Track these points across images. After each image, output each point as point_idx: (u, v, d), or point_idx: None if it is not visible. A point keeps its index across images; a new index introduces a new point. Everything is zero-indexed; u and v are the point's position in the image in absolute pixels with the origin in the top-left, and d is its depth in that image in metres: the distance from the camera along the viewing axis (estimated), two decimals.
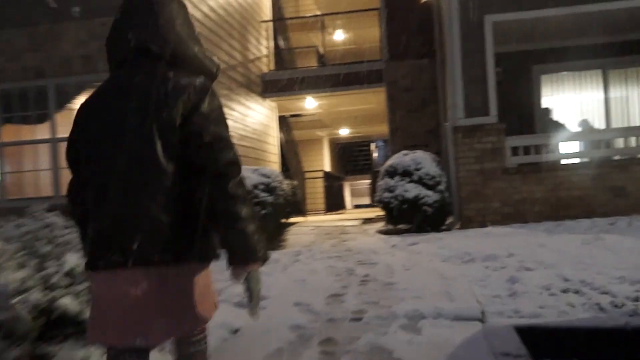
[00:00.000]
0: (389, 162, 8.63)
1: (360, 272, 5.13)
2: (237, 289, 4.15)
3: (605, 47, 9.20)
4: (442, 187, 8.11)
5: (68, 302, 2.10)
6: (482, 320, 3.23)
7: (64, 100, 8.36)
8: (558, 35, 9.08)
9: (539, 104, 9.78)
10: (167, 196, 1.57)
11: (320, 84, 12.96)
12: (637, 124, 9.55)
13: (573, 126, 9.34)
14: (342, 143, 24.21)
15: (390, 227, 8.62)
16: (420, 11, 11.77)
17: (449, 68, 8.35)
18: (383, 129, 14.85)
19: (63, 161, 7.30)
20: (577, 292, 3.67)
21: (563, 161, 8.20)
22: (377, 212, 10.08)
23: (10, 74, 8.33)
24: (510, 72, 9.36)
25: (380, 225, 9.52)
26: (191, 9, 8.79)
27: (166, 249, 1.57)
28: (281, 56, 14.84)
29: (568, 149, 8.42)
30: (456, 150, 8.11)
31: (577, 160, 8.31)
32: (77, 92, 8.09)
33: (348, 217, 13.50)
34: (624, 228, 6.28)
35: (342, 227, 10.34)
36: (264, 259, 1.65)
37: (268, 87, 13.14)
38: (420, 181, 8.08)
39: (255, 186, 7.45)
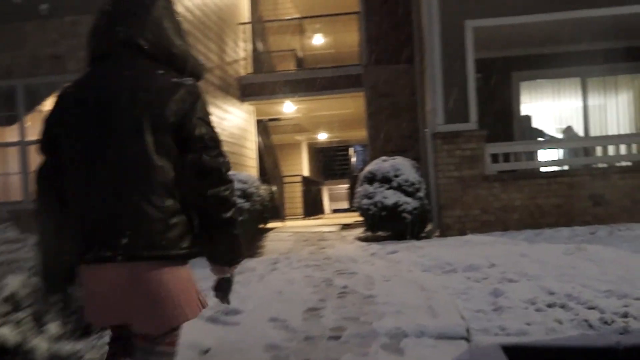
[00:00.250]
0: (368, 168, 8.49)
1: (339, 283, 4.96)
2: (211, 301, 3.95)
3: (584, 55, 9.21)
4: (421, 194, 8.00)
5: (7, 332, 1.87)
6: (467, 338, 3.08)
7: (33, 101, 8.05)
8: (538, 43, 9.06)
9: (518, 111, 9.76)
10: (158, 193, 1.57)
11: (298, 88, 12.81)
12: (615, 132, 9.58)
13: (554, 133, 9.33)
14: (321, 148, 24.09)
15: (369, 234, 8.48)
16: (400, 16, 11.70)
17: (429, 73, 8.26)
18: (362, 134, 14.76)
19: (33, 164, 7.02)
20: (563, 306, 3.55)
21: (543, 169, 8.16)
22: (356, 217, 9.95)
23: None
24: (489, 79, 9.32)
25: (359, 231, 9.38)
26: None
27: (155, 245, 1.57)
28: (259, 59, 14.65)
29: (548, 157, 8.39)
30: (436, 156, 8.01)
31: (556, 168, 8.28)
32: (48, 93, 7.79)
33: (327, 223, 13.34)
34: (605, 237, 6.23)
35: (321, 234, 10.17)
36: (242, 259, 1.77)
37: (246, 91, 12.93)
38: (399, 188, 7.96)
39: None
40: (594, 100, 9.75)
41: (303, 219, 16.11)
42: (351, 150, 25.03)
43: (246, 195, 7.53)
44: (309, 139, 21.50)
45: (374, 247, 7.33)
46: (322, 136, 20.90)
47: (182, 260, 1.67)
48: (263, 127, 16.30)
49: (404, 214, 7.79)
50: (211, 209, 1.63)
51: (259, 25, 15.31)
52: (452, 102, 8.00)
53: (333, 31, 15.46)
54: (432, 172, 8.15)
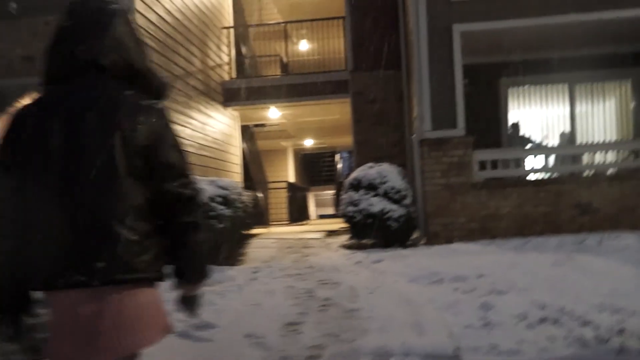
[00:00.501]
0: (354, 174, 8.30)
1: (321, 295, 4.74)
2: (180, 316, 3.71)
3: (572, 61, 9.12)
4: (407, 201, 7.82)
5: None
6: (456, 357, 2.88)
7: (4, 103, 7.74)
8: (526, 48, 8.95)
9: (505, 117, 9.64)
10: (131, 216, 1.56)
11: (283, 93, 12.60)
12: (602, 140, 9.49)
13: (542, 140, 9.21)
14: (307, 154, 23.91)
15: (354, 241, 8.28)
16: (386, 21, 11.55)
17: (416, 79, 8.10)
18: (348, 140, 14.59)
19: None
20: (555, 322, 3.37)
21: (530, 176, 8.02)
22: (342, 223, 9.76)
23: None
24: (476, 85, 9.18)
25: (344, 238, 9.17)
26: (145, 12, 8.32)
27: (131, 268, 1.55)
28: (244, 64, 14.43)
29: (535, 164, 8.26)
30: (422, 163, 7.84)
31: (544, 176, 8.15)
32: (19, 95, 7.48)
33: (312, 229, 13.15)
34: (594, 247, 6.08)
35: (305, 240, 9.96)
36: (208, 277, 1.74)
37: (230, 96, 12.69)
38: (385, 195, 7.78)
39: (212, 199, 6.98)
40: (581, 107, 9.67)
41: (288, 225, 15.89)
42: (337, 157, 24.89)
43: (227, 202, 7.29)
44: (295, 145, 21.30)
45: (359, 255, 7.13)
46: (308, 142, 20.72)
47: (157, 282, 1.66)
48: (248, 133, 16.08)
49: (390, 222, 7.60)
50: (185, 236, 1.64)
51: (244, 30, 15.09)
52: (439, 107, 7.84)
53: (319, 37, 15.32)
54: (419, 179, 7.98)
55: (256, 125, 16.11)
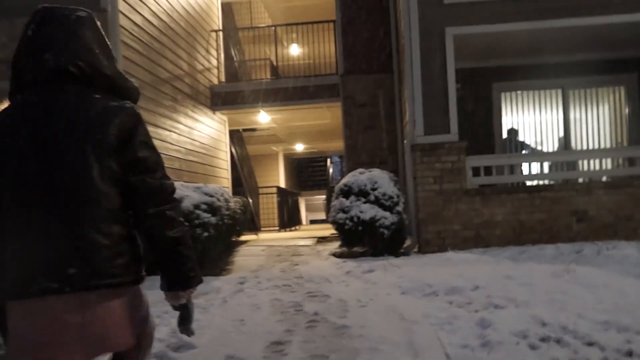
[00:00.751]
0: (344, 180, 8.08)
1: (310, 309, 4.50)
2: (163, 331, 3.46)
3: (566, 66, 8.97)
4: (399, 208, 7.60)
5: None
6: None
7: None
8: (519, 53, 8.80)
9: (498, 122, 9.47)
10: (105, 220, 1.54)
11: (274, 97, 12.39)
12: (596, 146, 9.34)
13: (538, 147, 9.04)
14: (298, 158, 23.69)
15: (344, 249, 8.03)
16: (378, 24, 11.38)
17: (408, 83, 7.91)
18: (339, 144, 14.40)
19: None
20: (558, 341, 3.15)
21: (525, 183, 7.84)
22: (333, 229, 9.54)
23: None
24: (468, 89, 9.03)
25: (335, 246, 8.94)
26: (129, 13, 8.06)
27: (104, 273, 1.52)
28: (233, 68, 14.20)
29: (530, 170, 8.07)
30: (415, 169, 7.64)
31: (539, 182, 7.97)
32: None
33: (302, 236, 12.91)
34: (593, 257, 5.88)
35: (295, 248, 9.72)
36: (198, 283, 1.68)
37: (218, 100, 12.46)
38: (377, 201, 7.55)
39: (197, 206, 6.73)
40: (575, 113, 9.51)
41: (279, 231, 15.65)
42: (328, 161, 24.70)
43: (213, 209, 7.04)
44: (286, 150, 21.09)
45: (350, 264, 6.90)
46: (299, 147, 20.51)
47: (130, 285, 1.62)
48: (238, 137, 15.86)
49: (382, 229, 7.38)
50: (156, 229, 1.61)
51: (233, 33, 14.88)
52: (432, 112, 7.66)
53: (309, 41, 15.14)
54: (411, 185, 7.78)
55: (246, 130, 15.89)
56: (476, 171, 7.64)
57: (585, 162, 8.08)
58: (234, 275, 6.69)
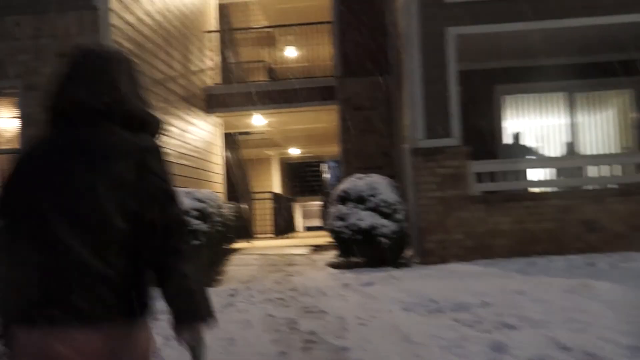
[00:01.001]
0: (342, 186, 7.72)
1: (305, 327, 4.14)
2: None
3: (572, 68, 8.65)
4: (400, 216, 7.25)
5: None
6: None
7: None
8: (523, 54, 8.48)
9: (500, 126, 9.13)
10: (111, 250, 1.53)
11: (269, 100, 12.04)
12: (603, 151, 9.01)
13: (544, 152, 8.70)
14: (293, 163, 23.33)
15: (342, 259, 7.68)
16: (375, 26, 11.07)
17: (408, 84, 7.58)
18: (335, 149, 14.07)
19: None
20: None
21: (531, 190, 7.50)
22: (329, 237, 9.19)
23: None
24: (468, 92, 8.67)
25: (331, 255, 8.58)
26: (122, 12, 7.71)
27: (106, 304, 1.50)
28: (228, 70, 13.86)
29: (537, 177, 7.73)
30: (415, 175, 7.30)
31: (546, 189, 7.63)
32: None
33: (297, 243, 12.55)
34: (608, 271, 5.53)
35: (290, 257, 9.36)
36: (209, 317, 1.61)
37: (213, 102, 12.10)
38: (376, 209, 7.19)
39: (187, 212, 6.36)
40: (582, 117, 9.19)
41: (273, 238, 15.29)
42: (324, 166, 24.37)
43: (204, 216, 6.67)
44: (281, 154, 20.74)
45: (347, 275, 6.54)
46: (294, 151, 20.15)
47: (137, 318, 1.59)
48: (232, 141, 15.50)
49: (381, 238, 7.02)
50: (169, 265, 1.58)
51: (229, 36, 14.55)
52: (433, 115, 7.32)
53: (306, 43, 14.84)
54: (412, 192, 7.43)
55: (240, 133, 15.55)
56: (480, 177, 7.30)
57: (595, 168, 7.73)
58: (225, 286, 6.32)
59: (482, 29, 7.42)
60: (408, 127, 7.76)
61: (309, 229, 23.28)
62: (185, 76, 10.81)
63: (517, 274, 5.71)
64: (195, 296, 1.57)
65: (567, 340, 3.30)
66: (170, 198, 1.63)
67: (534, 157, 8.05)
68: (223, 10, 14.39)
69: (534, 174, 7.79)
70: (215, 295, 5.60)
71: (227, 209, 8.89)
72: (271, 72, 15.10)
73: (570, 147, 8.96)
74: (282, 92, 12.08)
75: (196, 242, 6.30)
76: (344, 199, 7.43)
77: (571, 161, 7.93)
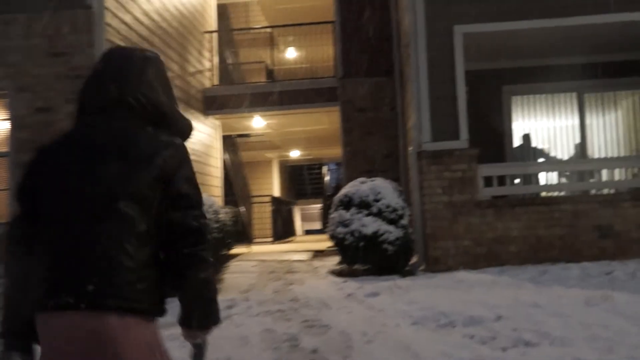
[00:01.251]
0: (344, 190, 7.42)
1: (307, 344, 3.85)
2: None
3: (581, 68, 8.37)
4: (405, 221, 6.96)
5: None
6: None
7: None
8: (532, 53, 8.20)
9: (508, 128, 8.85)
10: (132, 242, 1.54)
11: (269, 101, 11.76)
12: (614, 153, 8.72)
13: (556, 154, 8.40)
14: (293, 165, 23.04)
15: (344, 267, 7.38)
16: (378, 25, 10.80)
17: (413, 85, 7.29)
18: (336, 151, 13.79)
19: None
20: None
21: (542, 194, 7.21)
22: (329, 241, 8.91)
23: None
24: (475, 93, 8.38)
25: (333, 262, 8.29)
26: (118, 11, 7.43)
27: (122, 295, 1.50)
28: (227, 71, 13.59)
29: (548, 180, 7.43)
30: (421, 178, 7.01)
31: (558, 194, 7.33)
32: None
33: (297, 248, 12.24)
34: (627, 281, 5.24)
35: (289, 263, 9.07)
36: (218, 323, 1.65)
37: (211, 104, 11.82)
38: (380, 214, 6.91)
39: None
40: (592, 118, 8.90)
41: (272, 242, 14.98)
42: (324, 169, 24.10)
43: None
44: (281, 157, 20.45)
45: (351, 284, 6.25)
46: (295, 153, 19.85)
47: (149, 316, 1.57)
48: (231, 143, 15.23)
49: (385, 245, 6.73)
50: (189, 270, 1.59)
51: (228, 37, 14.28)
52: (439, 116, 7.04)
53: (307, 44, 14.58)
54: (417, 197, 7.14)
55: (239, 136, 15.26)
56: (488, 181, 7.01)
57: (609, 171, 7.43)
58: (222, 297, 5.98)
59: (491, 27, 7.16)
60: (413, 129, 7.48)
61: (309, 232, 23.00)
62: (182, 77, 10.55)
63: (529, 283, 5.41)
64: (211, 304, 1.61)
65: None
66: (193, 203, 1.63)
67: (544, 160, 7.74)
68: (222, 10, 14.12)
69: (545, 178, 7.48)
70: None
71: (225, 213, 8.61)
72: (271, 74, 14.83)
73: (580, 148, 8.67)
74: (282, 93, 11.80)
75: None
76: (347, 203, 7.14)
77: (584, 164, 7.64)
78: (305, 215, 23.25)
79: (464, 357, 3.34)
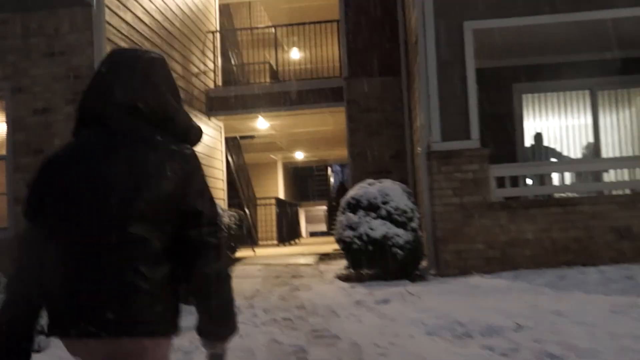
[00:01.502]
0: (352, 192, 7.19)
1: (316, 358, 3.62)
2: None
3: (594, 65, 8.12)
4: (414, 224, 6.73)
5: None
6: None
7: None
8: (543, 50, 7.95)
9: (520, 127, 8.60)
10: (146, 263, 1.50)
11: (273, 102, 11.55)
12: (629, 153, 8.46)
13: (570, 154, 8.15)
14: (298, 167, 22.84)
15: (352, 271, 7.14)
16: (384, 23, 10.58)
17: (422, 84, 7.06)
18: (341, 152, 13.59)
19: None
20: None
21: (557, 195, 6.96)
22: (335, 244, 8.69)
23: None
24: (485, 91, 8.14)
25: (340, 265, 8.06)
26: (118, 10, 7.21)
27: (142, 320, 1.49)
28: (230, 72, 13.38)
29: (562, 181, 7.17)
30: (431, 180, 6.78)
31: (573, 195, 7.08)
32: None
33: (302, 251, 12.02)
34: None
35: (295, 267, 8.85)
36: (236, 333, 1.64)
37: (214, 105, 11.61)
38: (389, 217, 6.67)
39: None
40: (605, 116, 8.65)
41: (277, 245, 14.76)
42: (330, 170, 23.90)
43: None
44: (285, 158, 20.25)
45: (359, 290, 6.03)
46: (299, 155, 19.64)
47: (167, 336, 1.55)
48: (235, 145, 15.04)
49: (395, 249, 6.49)
50: (209, 287, 1.57)
51: (232, 37, 14.09)
52: (449, 116, 6.81)
53: (311, 43, 14.36)
54: (427, 198, 6.90)
55: (243, 137, 15.05)
56: (500, 182, 6.77)
57: (626, 171, 7.18)
58: None
59: (501, 23, 6.92)
60: (422, 129, 7.25)
61: (313, 234, 22.80)
62: (185, 78, 10.36)
63: (548, 288, 5.17)
64: (230, 316, 1.59)
65: None
66: (210, 219, 1.58)
67: (558, 160, 7.49)
68: (225, 10, 13.94)
69: (559, 178, 7.22)
70: None
71: (229, 217, 8.40)
72: (275, 74, 14.62)
73: (595, 148, 8.41)
74: (286, 93, 11.59)
75: None
76: (355, 206, 6.91)
77: (599, 164, 7.38)
78: (310, 217, 23.06)
79: None
